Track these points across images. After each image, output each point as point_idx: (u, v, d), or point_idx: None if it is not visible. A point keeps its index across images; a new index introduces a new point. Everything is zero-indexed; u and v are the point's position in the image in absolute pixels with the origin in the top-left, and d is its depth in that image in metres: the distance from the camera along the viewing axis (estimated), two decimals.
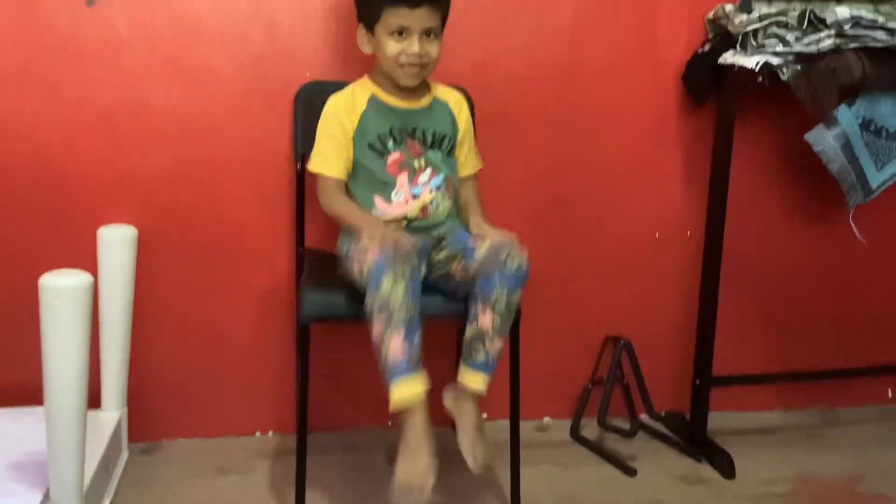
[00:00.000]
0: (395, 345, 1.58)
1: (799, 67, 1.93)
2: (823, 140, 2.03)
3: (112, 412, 2.00)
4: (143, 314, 2.04)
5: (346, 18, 1.97)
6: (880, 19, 1.93)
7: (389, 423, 2.27)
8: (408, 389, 1.59)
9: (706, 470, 2.12)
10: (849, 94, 1.99)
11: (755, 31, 1.96)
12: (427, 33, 1.76)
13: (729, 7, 2.06)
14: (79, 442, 1.55)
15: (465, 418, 1.72)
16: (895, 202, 2.31)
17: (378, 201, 1.81)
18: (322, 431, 2.18)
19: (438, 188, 1.83)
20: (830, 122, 2.01)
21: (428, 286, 1.73)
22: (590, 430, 2.29)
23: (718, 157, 2.14)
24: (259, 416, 2.04)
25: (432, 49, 1.77)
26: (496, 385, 1.75)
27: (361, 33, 1.82)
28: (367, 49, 1.82)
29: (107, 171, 1.99)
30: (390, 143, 1.81)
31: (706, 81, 2.12)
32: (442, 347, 1.93)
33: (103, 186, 2.00)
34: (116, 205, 2.01)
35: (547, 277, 2.25)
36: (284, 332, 2.14)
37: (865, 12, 1.94)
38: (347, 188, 1.84)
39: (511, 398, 1.85)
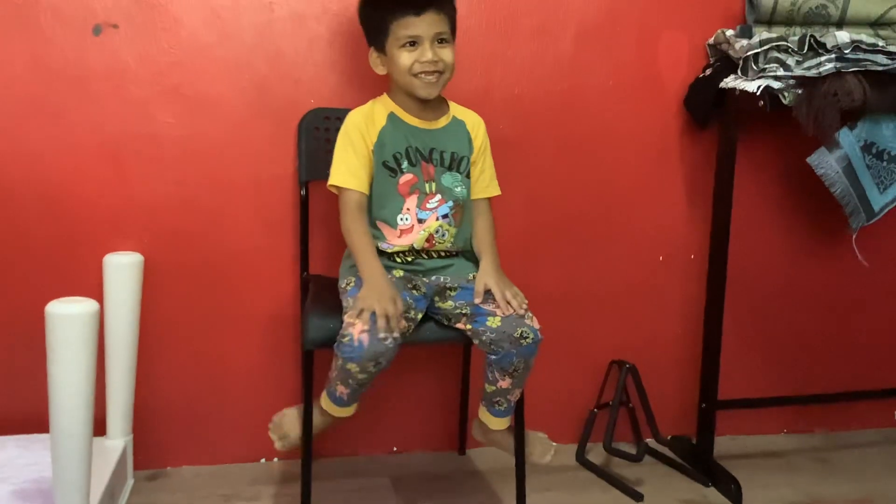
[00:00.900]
0: (340, 390, 1.74)
1: (800, 91, 1.95)
2: (825, 163, 2.03)
3: (117, 439, 1.99)
4: (148, 341, 2.04)
5: (350, 46, 1.99)
6: (880, 43, 1.95)
7: (394, 449, 2.27)
8: (334, 410, 1.80)
9: (713, 495, 2.11)
10: (850, 118, 2.01)
11: (756, 56, 1.97)
12: (438, 40, 1.74)
13: (730, 32, 2.08)
14: (84, 469, 1.55)
15: (503, 444, 1.89)
16: None
17: (385, 229, 1.81)
18: (327, 457, 2.18)
19: (445, 216, 1.83)
20: (832, 145, 2.02)
21: (427, 316, 1.78)
22: (596, 454, 2.28)
23: (721, 181, 2.15)
24: (264, 443, 2.03)
25: (445, 55, 1.76)
26: None
27: (373, 56, 1.81)
28: (381, 70, 1.81)
29: (112, 198, 2.00)
30: (405, 164, 1.81)
31: (708, 105, 2.13)
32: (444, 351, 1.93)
33: (109, 213, 2.01)
34: (122, 232, 2.01)
35: (551, 301, 2.24)
36: (289, 358, 2.14)
37: (865, 36, 1.96)
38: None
39: (516, 424, 1.85)
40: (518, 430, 1.85)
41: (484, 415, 1.85)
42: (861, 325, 2.47)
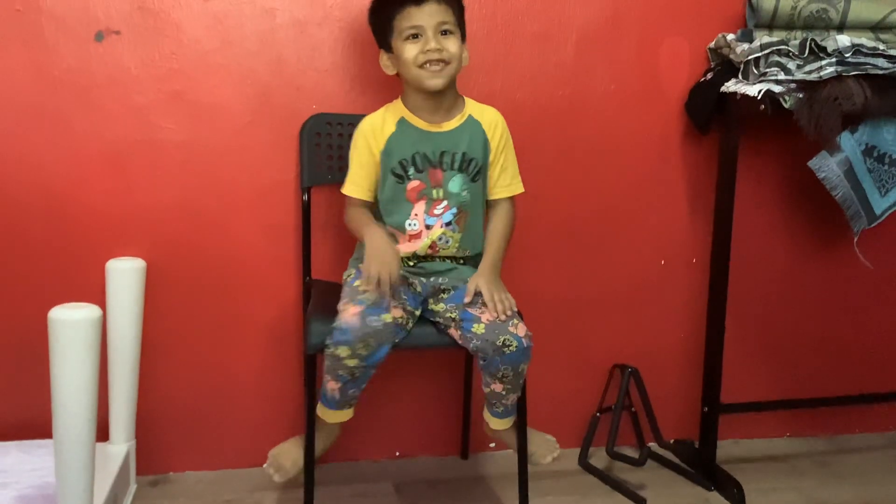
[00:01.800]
0: (331, 386, 1.74)
1: (801, 95, 1.95)
2: (826, 167, 2.03)
3: (120, 445, 2.00)
4: (151, 346, 2.04)
5: (352, 52, 2.00)
6: (881, 46, 1.95)
7: (397, 454, 2.27)
8: (327, 415, 1.80)
9: (716, 499, 2.11)
10: (851, 121, 2.01)
11: (757, 60, 1.97)
12: (442, 31, 1.74)
13: (730, 36, 2.08)
14: (87, 475, 1.55)
15: (508, 442, 1.91)
16: None
17: (396, 235, 1.83)
18: (329, 462, 2.18)
19: (449, 224, 1.83)
20: (833, 148, 2.02)
21: (423, 318, 1.79)
22: (598, 458, 2.28)
23: (723, 185, 2.15)
24: (267, 448, 2.03)
25: (450, 44, 1.75)
26: None
27: (383, 57, 1.83)
28: (391, 71, 1.83)
29: (115, 204, 2.01)
30: (411, 171, 1.82)
31: (709, 110, 2.13)
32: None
33: (112, 219, 2.01)
34: (125, 238, 2.02)
35: (553, 306, 2.25)
36: (292, 363, 2.15)
37: (866, 40, 1.96)
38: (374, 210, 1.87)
39: (518, 428, 1.85)
40: (521, 435, 1.85)
41: (486, 414, 1.89)
42: (864, 328, 2.47)
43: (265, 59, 2.02)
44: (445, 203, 1.83)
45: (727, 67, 2.10)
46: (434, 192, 1.82)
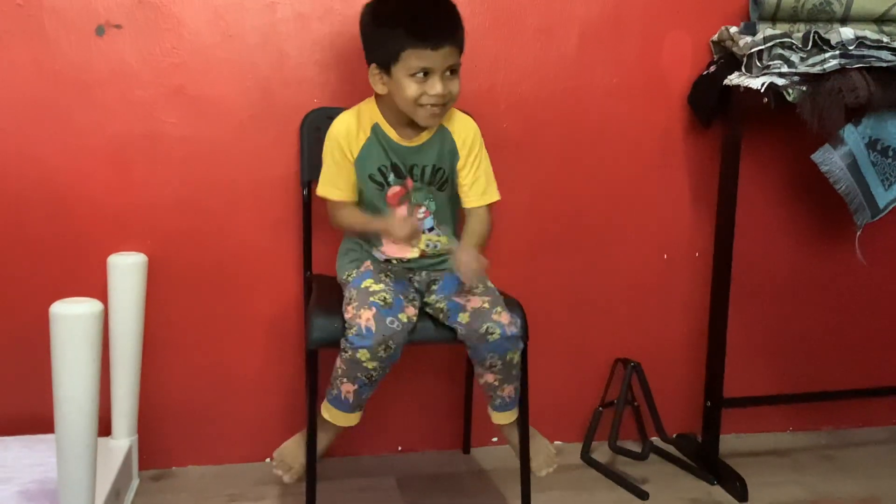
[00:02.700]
0: (346, 389, 1.71)
1: (804, 88, 1.94)
2: (830, 160, 2.03)
3: (122, 440, 2.00)
4: (153, 341, 2.04)
5: (353, 46, 1.98)
6: (885, 39, 1.94)
7: (399, 449, 2.27)
8: (338, 418, 1.77)
9: (719, 493, 2.11)
10: (855, 114, 2.00)
11: (760, 53, 1.96)
12: (449, 71, 1.70)
13: (733, 29, 2.07)
14: (89, 470, 1.55)
15: (508, 439, 1.92)
16: None
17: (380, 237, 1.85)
18: (332, 457, 2.18)
19: (431, 229, 1.85)
20: (836, 142, 2.01)
21: (423, 312, 1.79)
22: (601, 453, 2.27)
23: (725, 178, 2.14)
24: (269, 443, 2.04)
25: (454, 87, 1.72)
26: None
27: (374, 73, 1.74)
28: (381, 89, 1.75)
29: (116, 199, 2.01)
30: (391, 177, 1.81)
31: (712, 103, 2.12)
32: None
33: (113, 214, 2.01)
34: (126, 232, 2.02)
35: (556, 300, 2.25)
36: (293, 358, 2.14)
37: (870, 33, 1.95)
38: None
39: (520, 423, 1.85)
40: (522, 432, 1.84)
41: (488, 408, 1.88)
42: (867, 321, 2.47)
43: (266, 53, 2.02)
44: (424, 209, 1.84)
45: (730, 60, 2.09)
46: (414, 196, 1.83)
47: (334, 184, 1.82)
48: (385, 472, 2.17)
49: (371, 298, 1.67)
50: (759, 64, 1.97)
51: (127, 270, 1.94)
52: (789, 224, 2.36)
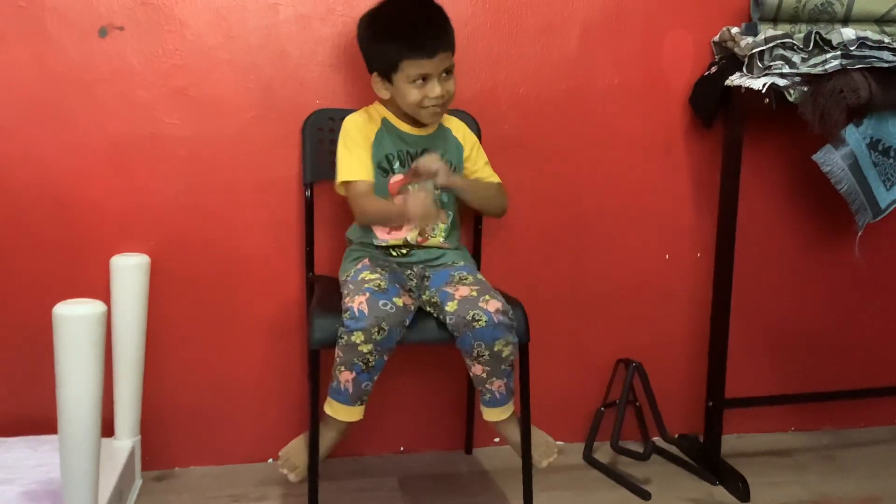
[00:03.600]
0: (344, 377, 1.72)
1: (806, 88, 1.94)
2: (831, 160, 2.03)
3: (125, 440, 2.00)
4: (155, 342, 2.04)
5: (355, 47, 1.99)
6: (886, 39, 1.94)
7: (401, 449, 2.27)
8: (339, 412, 1.76)
9: (721, 493, 2.11)
10: (856, 115, 2.00)
11: (761, 53, 1.97)
12: (445, 72, 1.82)
13: (735, 30, 2.07)
14: (93, 470, 1.55)
15: (504, 437, 1.90)
16: None
17: (376, 229, 1.88)
18: (334, 457, 2.18)
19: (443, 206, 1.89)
20: (838, 142, 2.01)
21: (421, 310, 1.81)
22: (603, 453, 2.28)
23: (727, 179, 2.14)
24: (271, 443, 2.04)
25: (451, 86, 1.84)
26: None
27: (377, 80, 1.85)
28: (384, 94, 1.87)
29: (119, 200, 2.01)
30: (396, 165, 1.87)
31: (713, 103, 2.13)
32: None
33: (115, 215, 2.01)
34: (129, 233, 2.02)
35: (557, 300, 2.25)
36: (295, 358, 2.15)
37: (871, 33, 1.95)
38: None
39: (522, 423, 1.85)
40: (524, 430, 1.85)
41: (481, 408, 1.87)
42: (869, 321, 2.47)
43: (268, 53, 2.02)
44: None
45: (731, 61, 2.09)
46: (414, 186, 1.85)
47: (356, 166, 1.85)
48: (387, 472, 2.17)
49: (365, 285, 1.71)
50: (760, 64, 1.97)
51: (130, 271, 1.95)
52: (790, 224, 2.36)
